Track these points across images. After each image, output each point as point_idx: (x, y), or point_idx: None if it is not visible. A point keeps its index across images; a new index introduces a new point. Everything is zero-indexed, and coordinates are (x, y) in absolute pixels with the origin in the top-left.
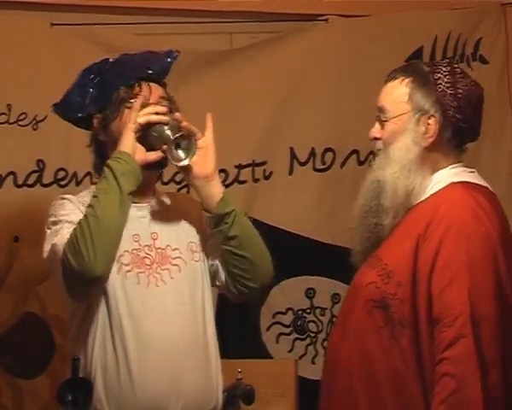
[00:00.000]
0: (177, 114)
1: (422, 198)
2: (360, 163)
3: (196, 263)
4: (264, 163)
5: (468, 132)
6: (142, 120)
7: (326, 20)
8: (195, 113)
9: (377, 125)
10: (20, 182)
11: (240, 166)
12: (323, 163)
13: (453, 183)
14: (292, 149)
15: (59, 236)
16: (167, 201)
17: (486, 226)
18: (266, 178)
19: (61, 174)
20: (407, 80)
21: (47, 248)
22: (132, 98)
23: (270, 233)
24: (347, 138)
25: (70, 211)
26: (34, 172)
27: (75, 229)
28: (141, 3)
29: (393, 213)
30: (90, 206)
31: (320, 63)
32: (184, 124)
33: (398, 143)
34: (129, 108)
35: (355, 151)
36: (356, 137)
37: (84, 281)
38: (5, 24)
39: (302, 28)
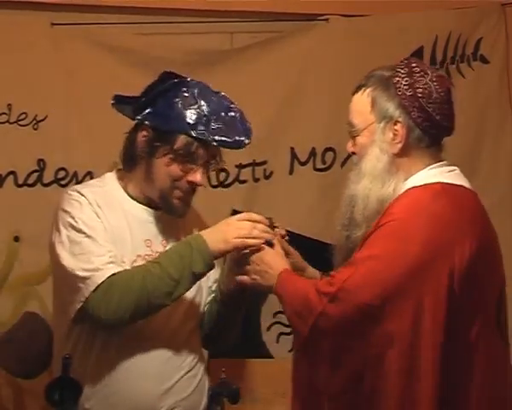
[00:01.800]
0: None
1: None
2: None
3: None
4: (264, 163)
5: (437, 129)
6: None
7: (326, 19)
8: None
9: (350, 141)
10: (20, 181)
11: (240, 166)
12: (324, 163)
13: (414, 187)
14: (292, 148)
15: (84, 259)
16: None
17: (427, 232)
18: (267, 177)
19: (62, 174)
20: (368, 90)
21: (65, 257)
22: (188, 155)
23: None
24: (348, 138)
25: (90, 220)
26: (34, 171)
27: (118, 281)
28: (141, 3)
29: (366, 225)
30: (150, 268)
31: (320, 63)
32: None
33: (368, 154)
34: (173, 159)
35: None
36: None
37: (100, 325)
38: (5, 23)
39: (302, 28)
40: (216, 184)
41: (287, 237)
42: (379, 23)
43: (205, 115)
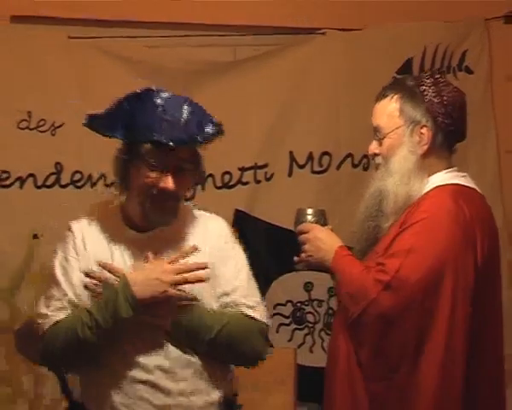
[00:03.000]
0: None
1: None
2: (354, 166)
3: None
4: (265, 166)
5: (456, 134)
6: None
7: (323, 33)
8: None
9: (375, 143)
10: (39, 183)
11: (243, 169)
12: (321, 166)
13: (440, 185)
14: (291, 152)
15: (45, 303)
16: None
17: (457, 228)
18: (267, 179)
19: (77, 176)
20: (396, 96)
21: (42, 310)
22: (152, 160)
23: (270, 230)
24: (343, 143)
25: (64, 261)
26: (52, 174)
27: (55, 331)
28: (150, 18)
29: (393, 217)
30: (82, 317)
31: (318, 73)
32: None
33: (397, 155)
34: (143, 169)
35: (350, 155)
36: (350, 142)
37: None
38: (26, 37)
39: (301, 41)
40: (220, 185)
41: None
42: (371, 36)
43: (162, 119)
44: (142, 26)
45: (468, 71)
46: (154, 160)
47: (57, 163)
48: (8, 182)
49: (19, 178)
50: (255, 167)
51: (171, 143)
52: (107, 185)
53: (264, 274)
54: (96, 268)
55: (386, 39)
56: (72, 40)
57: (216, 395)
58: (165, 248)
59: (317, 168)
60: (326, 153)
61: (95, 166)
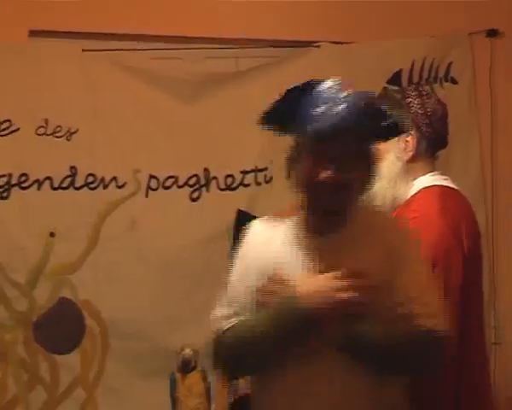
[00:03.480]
0: None
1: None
2: None
3: None
4: (265, 169)
5: (439, 142)
6: None
7: (318, 46)
8: (207, 126)
9: None
10: (55, 185)
11: (244, 172)
12: None
13: (427, 187)
14: None
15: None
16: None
17: (447, 226)
18: (267, 182)
19: (91, 179)
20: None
21: (217, 313)
22: (314, 151)
23: None
24: None
25: (244, 282)
26: (68, 177)
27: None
28: (159, 31)
29: None
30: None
31: None
32: None
33: (385, 160)
34: (311, 159)
35: None
36: None
37: None
38: (43, 50)
39: (298, 53)
40: (224, 187)
41: None
42: (363, 49)
43: (324, 110)
44: (151, 40)
45: (454, 81)
46: (315, 151)
47: (72, 167)
48: (26, 184)
49: (36, 181)
50: (256, 171)
51: (329, 133)
52: (118, 187)
53: None
54: (271, 273)
55: (377, 53)
56: (85, 53)
57: None
58: (341, 254)
59: None
60: None
61: (107, 169)
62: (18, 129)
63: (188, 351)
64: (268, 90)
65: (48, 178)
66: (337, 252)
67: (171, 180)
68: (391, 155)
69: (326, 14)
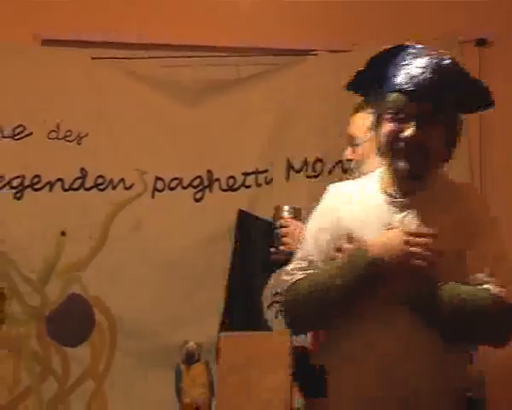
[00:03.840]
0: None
1: None
2: (344, 171)
3: None
4: (265, 171)
5: None
6: None
7: (315, 54)
8: (209, 129)
9: (349, 149)
10: (66, 187)
11: (246, 174)
12: (314, 171)
13: None
14: (288, 159)
15: None
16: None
17: None
18: (267, 183)
19: (100, 180)
20: (370, 110)
21: (288, 266)
22: (395, 109)
23: (270, 227)
24: (333, 152)
25: (318, 240)
26: (78, 178)
27: None
28: (165, 40)
29: None
30: None
31: (311, 90)
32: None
33: (369, 160)
34: (392, 117)
35: (340, 162)
36: (340, 150)
37: None
38: (54, 58)
39: (296, 61)
40: (226, 188)
41: None
42: (357, 57)
43: (411, 73)
44: (157, 48)
45: None
46: (396, 109)
47: (82, 169)
48: (39, 186)
49: (48, 183)
50: (256, 172)
51: (412, 90)
52: (126, 188)
53: (263, 266)
54: (345, 231)
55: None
56: (94, 60)
57: (448, 382)
58: (416, 216)
59: (311, 173)
60: (319, 160)
61: (115, 171)
62: (31, 133)
63: (192, 344)
64: (268, 97)
65: (59, 179)
66: (412, 214)
67: (176, 181)
68: (375, 157)
69: (323, 25)
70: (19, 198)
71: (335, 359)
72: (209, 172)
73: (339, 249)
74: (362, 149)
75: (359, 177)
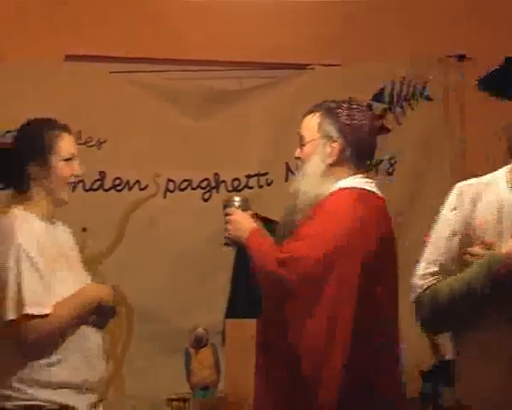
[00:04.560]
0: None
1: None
2: None
3: None
4: (266, 173)
5: (363, 153)
6: None
7: (313, 68)
8: (216, 137)
9: (299, 149)
10: (87, 187)
11: (249, 176)
12: None
13: (343, 188)
14: (287, 163)
15: None
16: None
17: (350, 223)
18: (268, 184)
19: (117, 182)
20: (318, 114)
21: (419, 271)
22: None
23: (271, 225)
24: None
25: (447, 243)
26: (97, 180)
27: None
28: (175, 55)
29: (303, 213)
30: None
31: (307, 100)
32: None
33: (311, 161)
34: None
35: None
36: None
37: None
38: (75, 72)
39: (295, 74)
40: (231, 189)
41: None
42: (350, 71)
43: None
44: (167, 63)
45: (429, 98)
46: None
47: (101, 172)
48: None
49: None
50: (258, 175)
51: None
52: (141, 189)
53: None
54: (476, 234)
55: (362, 73)
56: (112, 74)
57: None
58: None
59: None
60: None
61: (131, 173)
62: None
63: (200, 329)
64: (269, 106)
65: (80, 181)
66: None
67: (186, 183)
68: (316, 158)
69: (319, 41)
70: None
71: (470, 349)
72: (216, 174)
73: (472, 254)
74: (307, 150)
75: (301, 176)
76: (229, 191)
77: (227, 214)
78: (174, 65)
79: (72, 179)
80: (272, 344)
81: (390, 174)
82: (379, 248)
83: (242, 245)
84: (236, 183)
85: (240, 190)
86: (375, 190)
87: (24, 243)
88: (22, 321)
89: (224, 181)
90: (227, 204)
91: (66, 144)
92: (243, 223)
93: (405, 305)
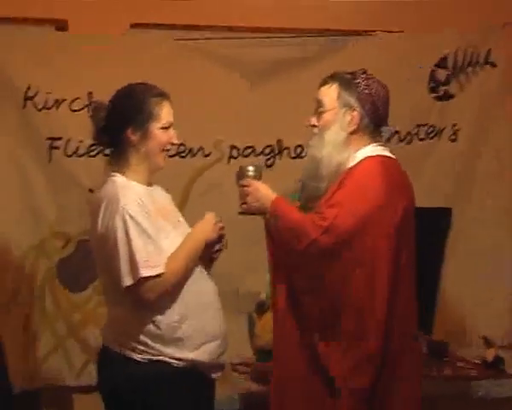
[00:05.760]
0: None
1: (346, 169)
2: (400, 140)
3: None
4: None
5: (379, 120)
6: None
7: (375, 34)
8: (279, 104)
9: (314, 117)
10: None
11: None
12: None
13: (370, 156)
14: None
15: None
16: None
17: (384, 189)
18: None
19: (181, 148)
20: (335, 85)
21: None
22: None
23: None
24: (391, 122)
25: None
26: None
27: None
28: (236, 23)
29: (328, 179)
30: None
31: (370, 66)
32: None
33: (331, 129)
34: None
35: (396, 132)
36: (397, 121)
37: None
38: (139, 41)
39: (357, 40)
40: (294, 156)
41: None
42: (413, 38)
43: None
44: (229, 30)
45: (492, 65)
46: None
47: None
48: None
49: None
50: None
51: None
52: (205, 156)
53: None
54: None
55: (426, 40)
56: (176, 42)
57: None
58: None
59: None
60: None
61: (195, 140)
62: None
63: (263, 294)
64: (331, 72)
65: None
66: None
67: (249, 150)
68: (337, 126)
69: (381, 9)
70: None
71: None
72: (279, 141)
73: None
74: (325, 118)
75: (321, 144)
76: (292, 158)
77: (242, 185)
78: (238, 32)
79: (169, 147)
80: (303, 308)
81: (453, 141)
82: (405, 213)
83: (264, 214)
84: (299, 149)
85: (303, 157)
86: (392, 155)
87: (128, 206)
88: (139, 284)
89: (287, 148)
90: (241, 174)
91: (166, 112)
92: (263, 192)
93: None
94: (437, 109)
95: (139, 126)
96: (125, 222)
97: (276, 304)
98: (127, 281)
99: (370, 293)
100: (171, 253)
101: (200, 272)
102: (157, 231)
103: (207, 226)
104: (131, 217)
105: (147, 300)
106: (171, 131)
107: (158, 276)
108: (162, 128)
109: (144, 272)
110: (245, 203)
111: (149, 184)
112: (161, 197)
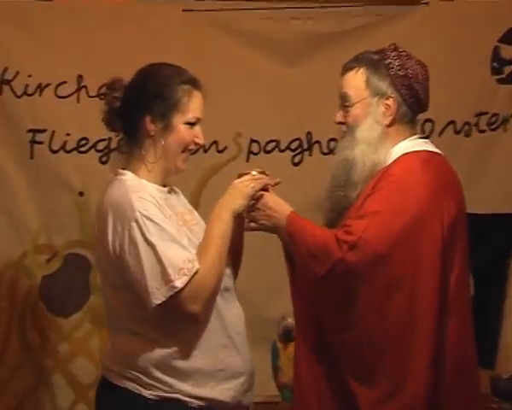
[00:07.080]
0: None
1: (381, 169)
2: (456, 132)
3: None
4: None
5: (419, 105)
6: None
7: (427, 3)
8: (310, 88)
9: (340, 112)
10: None
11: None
12: (423, 132)
13: (408, 152)
14: None
15: None
16: None
17: (426, 193)
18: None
19: None
20: (362, 69)
21: None
22: None
23: None
24: (443, 110)
25: None
26: None
27: None
28: None
29: (361, 186)
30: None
31: (420, 41)
32: None
33: (363, 125)
34: None
35: (451, 122)
36: (451, 110)
37: None
38: (144, 11)
39: (405, 11)
40: (327, 151)
41: (278, 180)
42: (473, 7)
43: None
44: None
45: None
46: None
47: None
48: None
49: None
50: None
51: None
52: (218, 151)
53: None
54: None
55: (487, 11)
56: (185, 12)
57: None
58: None
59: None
60: (429, 120)
61: (207, 133)
62: None
63: (290, 320)
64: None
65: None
66: None
67: (273, 144)
68: (369, 120)
69: None
70: (104, 162)
71: None
72: (309, 134)
73: None
74: (354, 112)
75: (353, 143)
76: (324, 154)
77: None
78: (261, 2)
79: (192, 147)
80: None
81: None
82: (454, 223)
83: (279, 232)
84: (333, 144)
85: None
86: (437, 150)
87: (145, 212)
88: (177, 297)
89: (317, 142)
90: None
91: (195, 105)
92: (275, 208)
93: None
94: (501, 94)
95: (160, 116)
96: (142, 229)
97: (298, 350)
98: (158, 298)
99: (412, 323)
100: (197, 246)
101: (225, 292)
102: (177, 231)
103: (236, 196)
104: (150, 220)
105: (192, 312)
106: (198, 129)
107: (193, 276)
108: (187, 123)
109: (179, 282)
110: (252, 221)
111: (164, 186)
112: (176, 198)
